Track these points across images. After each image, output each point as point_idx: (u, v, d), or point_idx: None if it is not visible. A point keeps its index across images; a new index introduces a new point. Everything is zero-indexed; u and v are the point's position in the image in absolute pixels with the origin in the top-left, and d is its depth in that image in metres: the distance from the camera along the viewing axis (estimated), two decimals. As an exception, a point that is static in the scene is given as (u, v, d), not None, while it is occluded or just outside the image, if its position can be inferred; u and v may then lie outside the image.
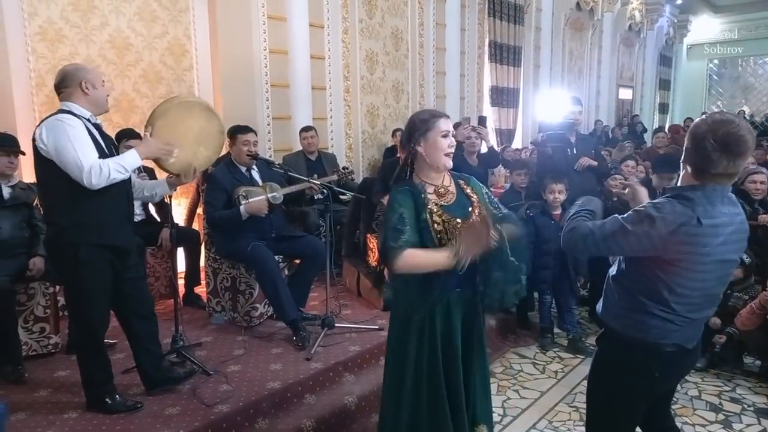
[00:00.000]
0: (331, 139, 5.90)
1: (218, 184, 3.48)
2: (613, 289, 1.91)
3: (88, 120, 2.42)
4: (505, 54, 8.50)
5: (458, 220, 1.96)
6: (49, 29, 4.06)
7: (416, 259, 1.90)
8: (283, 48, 5.17)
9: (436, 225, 1.93)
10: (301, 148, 5.06)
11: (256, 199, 3.42)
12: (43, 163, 2.34)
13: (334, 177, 4.13)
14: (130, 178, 2.55)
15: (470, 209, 2.02)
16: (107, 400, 2.55)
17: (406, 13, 6.73)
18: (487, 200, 2.10)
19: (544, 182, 3.93)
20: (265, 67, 5.06)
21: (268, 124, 5.19)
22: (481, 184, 2.16)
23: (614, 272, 1.94)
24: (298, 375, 2.95)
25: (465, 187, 2.10)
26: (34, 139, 2.34)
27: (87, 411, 2.57)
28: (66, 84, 2.42)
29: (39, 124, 2.37)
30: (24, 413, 2.55)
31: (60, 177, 2.31)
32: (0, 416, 1.98)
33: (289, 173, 3.56)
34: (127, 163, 2.39)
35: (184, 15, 4.93)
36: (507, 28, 8.48)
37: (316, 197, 3.48)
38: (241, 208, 3.37)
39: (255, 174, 3.62)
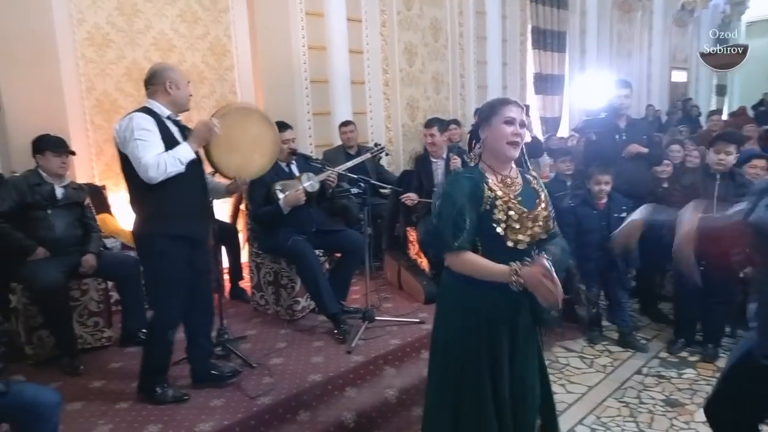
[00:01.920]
0: (371, 133, 5.89)
1: (259, 180, 3.49)
2: None
3: (168, 118, 2.54)
4: (548, 40, 8.25)
5: (525, 210, 1.87)
6: (97, 34, 4.21)
7: (474, 266, 1.83)
8: (321, 44, 5.19)
9: (500, 214, 1.83)
10: (340, 142, 5.08)
11: (292, 191, 3.45)
12: (122, 159, 2.48)
13: (368, 155, 4.12)
14: (203, 172, 2.65)
15: (537, 201, 1.93)
16: (157, 389, 2.64)
17: (445, 3, 6.63)
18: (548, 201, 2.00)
19: (590, 171, 3.78)
20: (304, 63, 5.09)
21: (309, 120, 5.22)
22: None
23: None
24: (339, 368, 2.97)
25: (532, 180, 2.00)
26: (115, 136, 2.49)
27: (136, 401, 2.67)
28: (153, 82, 2.55)
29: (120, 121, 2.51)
30: (79, 403, 2.66)
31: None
32: (56, 405, 2.07)
33: (326, 167, 3.58)
34: (180, 155, 2.46)
35: (224, 15, 5.02)
36: (550, 13, 8.23)
37: (354, 191, 3.47)
38: (281, 202, 3.42)
39: (294, 169, 3.67)
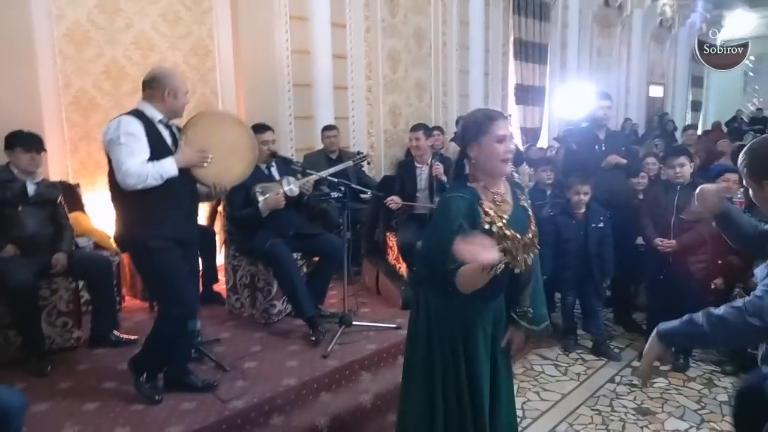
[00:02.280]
0: (353, 138, 5.89)
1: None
2: None
3: (160, 122, 2.51)
4: (530, 51, 8.37)
5: (518, 236, 1.80)
6: (76, 31, 4.14)
7: (464, 275, 1.72)
8: (305, 48, 5.19)
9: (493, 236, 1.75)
10: (322, 146, 5.06)
11: (272, 194, 3.43)
12: (109, 160, 2.45)
13: (350, 163, 4.11)
14: (193, 178, 2.60)
15: (527, 223, 1.90)
16: (143, 377, 2.62)
17: (429, 11, 6.69)
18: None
19: (569, 182, 3.83)
20: (288, 66, 5.08)
21: (291, 123, 5.21)
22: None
23: None
24: (314, 372, 2.94)
25: (521, 197, 1.96)
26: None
27: (105, 402, 2.61)
28: (152, 85, 2.53)
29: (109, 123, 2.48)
30: (45, 404, 2.60)
31: None
32: (21, 408, 2.01)
33: (307, 171, 3.57)
34: (164, 170, 2.44)
35: (207, 16, 4.98)
36: (532, 25, 8.35)
37: (334, 195, 3.46)
38: (260, 205, 3.40)
39: (274, 171, 3.64)
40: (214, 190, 2.65)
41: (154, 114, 2.51)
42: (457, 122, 6.73)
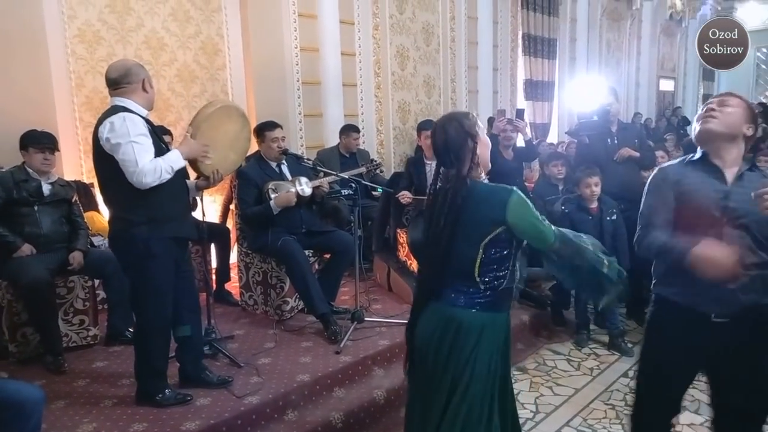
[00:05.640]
0: (363, 135, 5.88)
1: (249, 180, 3.53)
2: None
3: (145, 119, 2.45)
4: (539, 46, 8.33)
5: None
6: (88, 31, 4.18)
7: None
8: (313, 45, 5.20)
9: None
10: (335, 144, 5.07)
11: (283, 192, 3.45)
12: (107, 160, 2.37)
13: (363, 169, 4.12)
14: (186, 171, 2.61)
15: None
16: (158, 396, 2.57)
17: (437, 8, 6.67)
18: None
19: (577, 176, 3.81)
20: (297, 64, 5.09)
21: (300, 121, 5.22)
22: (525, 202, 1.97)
23: None
24: (328, 368, 2.96)
25: None
26: (97, 137, 2.37)
27: (121, 399, 2.64)
28: (129, 80, 2.43)
29: (102, 122, 2.37)
30: (62, 401, 2.63)
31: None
32: (38, 403, 2.03)
33: (318, 167, 3.58)
34: (173, 162, 2.44)
35: (217, 14, 5.00)
36: (541, 20, 8.31)
37: (345, 192, 3.47)
38: (271, 202, 3.42)
39: (285, 169, 3.66)
40: (213, 178, 2.66)
41: (140, 110, 2.44)
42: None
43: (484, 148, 1.85)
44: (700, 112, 1.97)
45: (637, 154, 4.11)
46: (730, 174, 1.88)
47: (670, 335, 1.95)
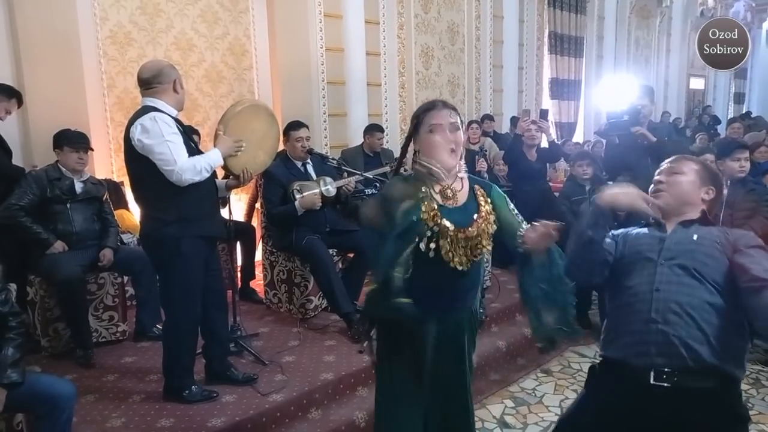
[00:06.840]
0: (387, 135, 5.90)
1: (275, 179, 3.56)
2: None
3: (175, 118, 2.49)
4: (565, 45, 8.23)
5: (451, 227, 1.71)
6: (119, 32, 4.26)
7: None
8: (339, 45, 5.22)
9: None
10: (359, 143, 5.08)
11: (309, 193, 3.47)
12: (138, 160, 2.41)
13: (387, 169, 4.11)
14: (215, 171, 2.65)
15: (474, 217, 1.77)
16: (185, 392, 2.61)
17: (463, 6, 6.64)
18: (514, 214, 1.85)
19: (570, 159, 3.78)
20: (322, 64, 5.12)
21: (325, 121, 5.24)
22: (505, 197, 1.88)
23: None
24: (351, 367, 2.97)
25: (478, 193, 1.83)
26: (128, 138, 2.41)
27: (149, 395, 2.69)
28: (160, 80, 2.46)
29: (133, 122, 2.40)
30: (92, 396, 2.69)
31: (159, 173, 2.38)
32: (71, 397, 2.10)
33: (343, 167, 3.59)
34: (212, 161, 2.49)
35: (244, 15, 5.06)
36: (568, 18, 8.21)
37: (368, 191, 3.48)
38: (296, 203, 3.44)
39: (310, 168, 3.68)
40: (243, 177, 2.70)
41: (171, 110, 2.47)
42: (490, 118, 6.68)
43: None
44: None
45: (654, 139, 3.98)
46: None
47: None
